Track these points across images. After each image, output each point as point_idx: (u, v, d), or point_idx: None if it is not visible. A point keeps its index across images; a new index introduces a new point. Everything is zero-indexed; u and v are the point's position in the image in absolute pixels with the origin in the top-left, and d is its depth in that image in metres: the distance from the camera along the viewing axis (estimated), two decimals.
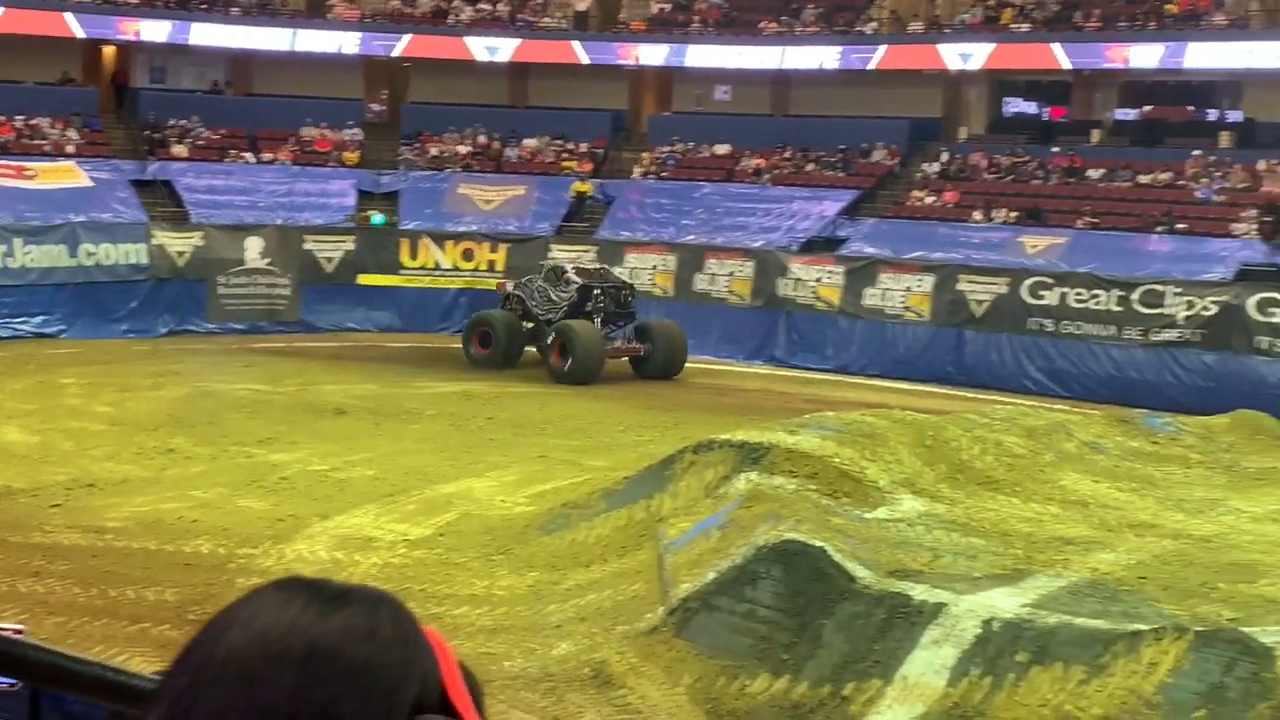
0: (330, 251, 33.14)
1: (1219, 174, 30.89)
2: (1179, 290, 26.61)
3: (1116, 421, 18.80)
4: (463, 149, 37.74)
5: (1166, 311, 26.61)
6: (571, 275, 27.59)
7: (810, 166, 35.53)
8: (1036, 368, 27.96)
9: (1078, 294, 27.64)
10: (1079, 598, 11.10)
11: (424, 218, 34.51)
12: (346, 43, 38.52)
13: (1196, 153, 31.81)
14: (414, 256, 33.50)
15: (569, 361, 26.15)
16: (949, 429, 16.07)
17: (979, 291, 28.71)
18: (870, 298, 29.25)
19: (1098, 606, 10.85)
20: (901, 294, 29.50)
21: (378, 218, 34.49)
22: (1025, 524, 13.68)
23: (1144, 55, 33.00)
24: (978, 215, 31.64)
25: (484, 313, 28.76)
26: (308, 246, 32.95)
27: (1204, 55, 32.16)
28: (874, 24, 37.22)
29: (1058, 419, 18.76)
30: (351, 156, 36.96)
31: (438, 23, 39.32)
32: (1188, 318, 26.40)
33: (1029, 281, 28.27)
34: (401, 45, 38.42)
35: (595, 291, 27.29)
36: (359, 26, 38.72)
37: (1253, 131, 32.86)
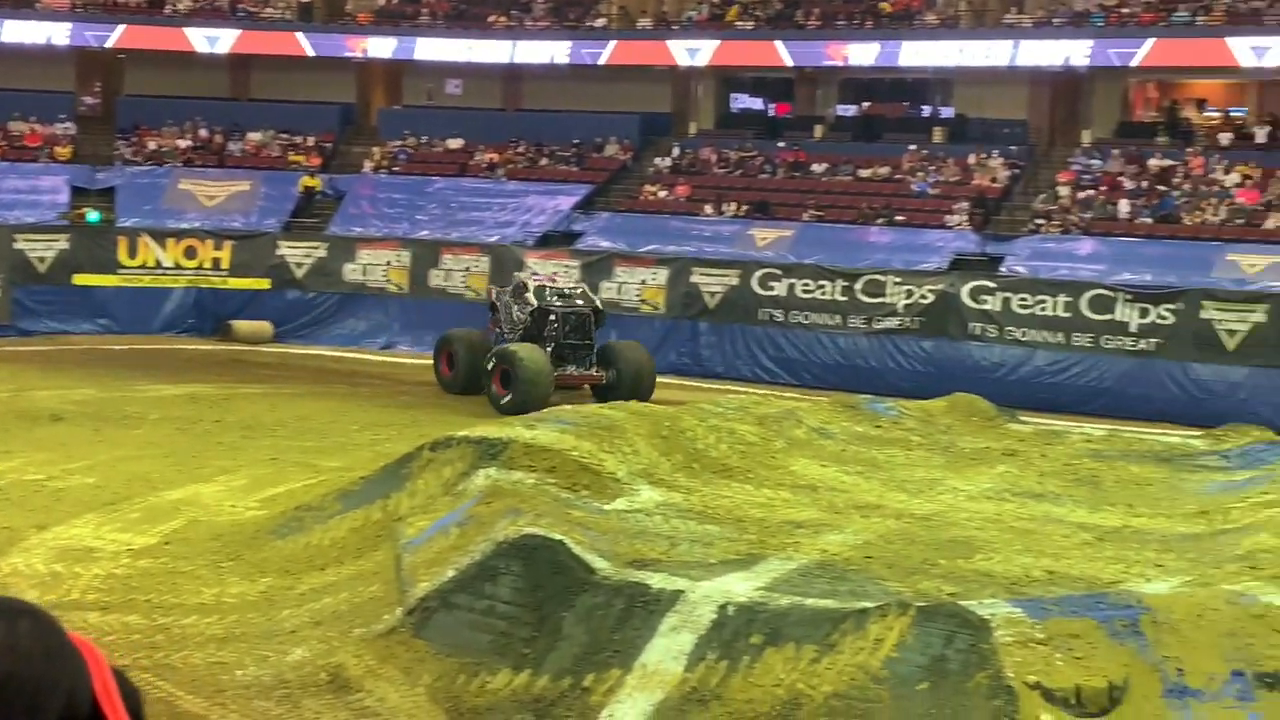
0: (43, 251, 31.61)
1: (933, 168, 32.25)
2: (899, 280, 27.69)
3: (843, 407, 19.42)
4: (183, 143, 36.49)
5: (887, 300, 27.65)
6: (530, 296, 24.92)
7: (544, 161, 35.61)
8: (768, 357, 28.68)
9: (805, 285, 28.49)
10: (809, 579, 11.40)
11: (143, 214, 33.23)
12: (56, 33, 36.79)
13: (912, 148, 33.16)
14: (133, 255, 32.23)
15: (510, 393, 23.09)
16: (684, 419, 16.32)
17: (711, 283, 29.30)
18: (606, 291, 29.54)
19: (827, 587, 11.17)
20: (637, 287, 29.88)
21: (93, 215, 33.04)
22: (758, 509, 13.98)
23: (861, 53, 34.21)
24: (709, 209, 32.26)
25: (451, 331, 26.22)
26: (18, 246, 31.38)
27: (916, 54, 33.54)
28: (603, 19, 37.55)
29: (788, 406, 19.28)
30: (64, 151, 35.34)
31: (154, 13, 37.90)
32: (907, 306, 27.48)
33: (759, 273, 28.98)
34: (115, 36, 36.88)
35: (550, 317, 24.60)
36: (70, 16, 37.02)
37: (964, 127, 34.44)
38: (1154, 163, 30.10)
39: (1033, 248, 27.91)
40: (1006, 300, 26.65)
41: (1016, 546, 12.63)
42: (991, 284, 26.90)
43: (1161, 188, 29.21)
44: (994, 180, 31.42)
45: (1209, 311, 24.89)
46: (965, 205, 30.16)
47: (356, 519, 13.82)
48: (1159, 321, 25.29)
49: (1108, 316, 25.69)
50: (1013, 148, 32.46)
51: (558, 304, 24.72)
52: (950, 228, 29.65)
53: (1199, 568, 12.03)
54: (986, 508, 14.50)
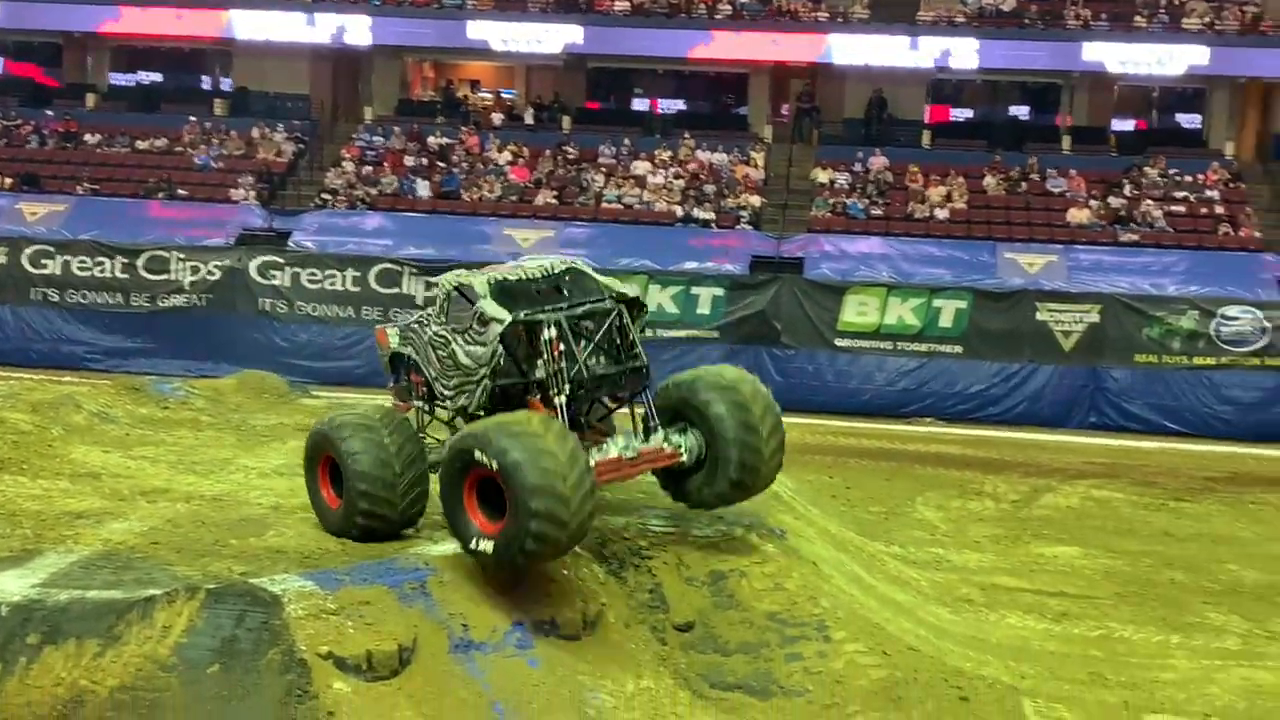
0: None
1: (216, 141, 31.57)
2: (183, 255, 26.88)
3: (126, 390, 18.58)
4: None
5: (173, 277, 26.79)
6: (490, 307, 11.58)
7: None
8: (42, 340, 26.99)
9: (81, 262, 26.99)
10: (91, 571, 10.86)
11: None
12: None
13: (192, 119, 32.26)
14: None
15: (511, 526, 10.49)
16: None
17: None
18: None
19: (111, 577, 10.68)
20: None
21: None
22: (34, 502, 13.11)
23: (136, 20, 32.86)
24: None
25: (322, 429, 12.32)
26: None
27: (197, 23, 32.66)
28: None
29: (65, 392, 18.21)
30: None
31: None
32: (194, 283, 26.77)
33: (30, 250, 27.15)
34: None
35: (549, 331, 11.47)
36: None
37: (246, 100, 33.98)
38: (434, 140, 31.22)
39: (320, 222, 28.04)
40: (296, 275, 26.64)
41: (309, 520, 12.65)
42: (280, 259, 26.76)
43: (442, 164, 30.36)
44: (279, 154, 31.26)
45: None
46: (250, 179, 29.79)
47: None
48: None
49: (396, 290, 26.37)
50: (296, 122, 32.45)
51: (551, 311, 11.66)
52: (236, 202, 29.16)
53: None
54: (279, 484, 14.42)
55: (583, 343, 11.62)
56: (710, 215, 28.11)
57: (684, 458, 11.88)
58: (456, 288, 12.09)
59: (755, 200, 28.79)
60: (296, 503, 13.24)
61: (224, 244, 27.36)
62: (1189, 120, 33.55)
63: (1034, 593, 14.58)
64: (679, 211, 28.32)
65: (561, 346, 11.40)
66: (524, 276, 11.95)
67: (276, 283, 26.63)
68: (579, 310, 11.70)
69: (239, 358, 24.13)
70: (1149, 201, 27.95)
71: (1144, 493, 19.62)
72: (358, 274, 26.50)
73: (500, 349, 11.39)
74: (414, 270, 26.29)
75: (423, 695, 9.74)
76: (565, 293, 11.99)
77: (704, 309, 25.71)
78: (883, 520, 17.33)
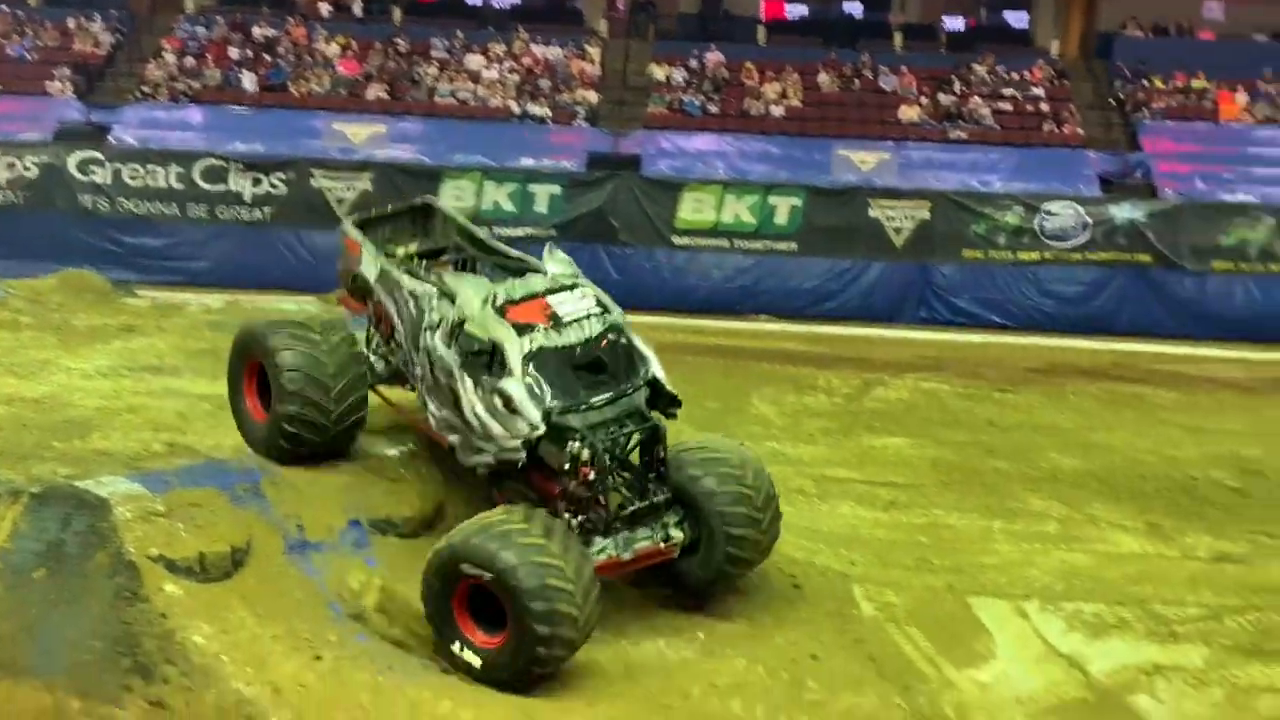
0: None
1: (30, 32, 30.18)
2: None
3: None
4: None
5: None
6: (519, 396, 10.33)
7: None
8: None
9: None
10: None
11: None
12: None
13: (4, 9, 30.77)
14: None
15: (514, 644, 9.60)
16: None
17: None
18: None
19: None
20: None
21: None
22: None
23: None
24: None
25: (250, 329, 11.50)
26: None
27: None
28: None
29: None
30: None
31: None
32: (10, 180, 25.72)
33: None
34: None
35: (581, 450, 10.29)
36: None
37: None
38: (259, 31, 30.24)
39: (141, 116, 27.05)
40: (117, 172, 25.74)
41: (136, 422, 12.38)
42: (100, 155, 25.81)
43: (267, 57, 29.47)
44: (96, 46, 30.02)
45: (319, 180, 25.63)
46: (67, 72, 28.57)
47: None
48: (271, 191, 25.68)
49: (222, 187, 25.66)
50: (114, 12, 31.13)
51: (592, 425, 10.40)
52: (52, 95, 27.97)
53: None
54: (103, 385, 14.08)
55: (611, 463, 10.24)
56: (546, 111, 27.83)
57: (675, 554, 10.72)
58: (473, 333, 10.46)
59: (592, 96, 28.56)
60: (122, 405, 12.95)
61: (41, 139, 26.28)
62: (1016, 18, 34.06)
63: (865, 483, 14.95)
64: (514, 107, 27.97)
65: (591, 475, 10.16)
66: (560, 345, 10.38)
67: (97, 179, 25.71)
68: (624, 433, 10.33)
69: (59, 257, 23.25)
70: (977, 99, 28.42)
71: (970, 384, 20.18)
72: (182, 170, 25.70)
73: (521, 455, 10.21)
74: (241, 167, 25.60)
75: (257, 596, 9.63)
76: (605, 370, 10.51)
77: (541, 207, 25.54)
78: (720, 416, 17.55)
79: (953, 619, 11.40)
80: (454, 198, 25.22)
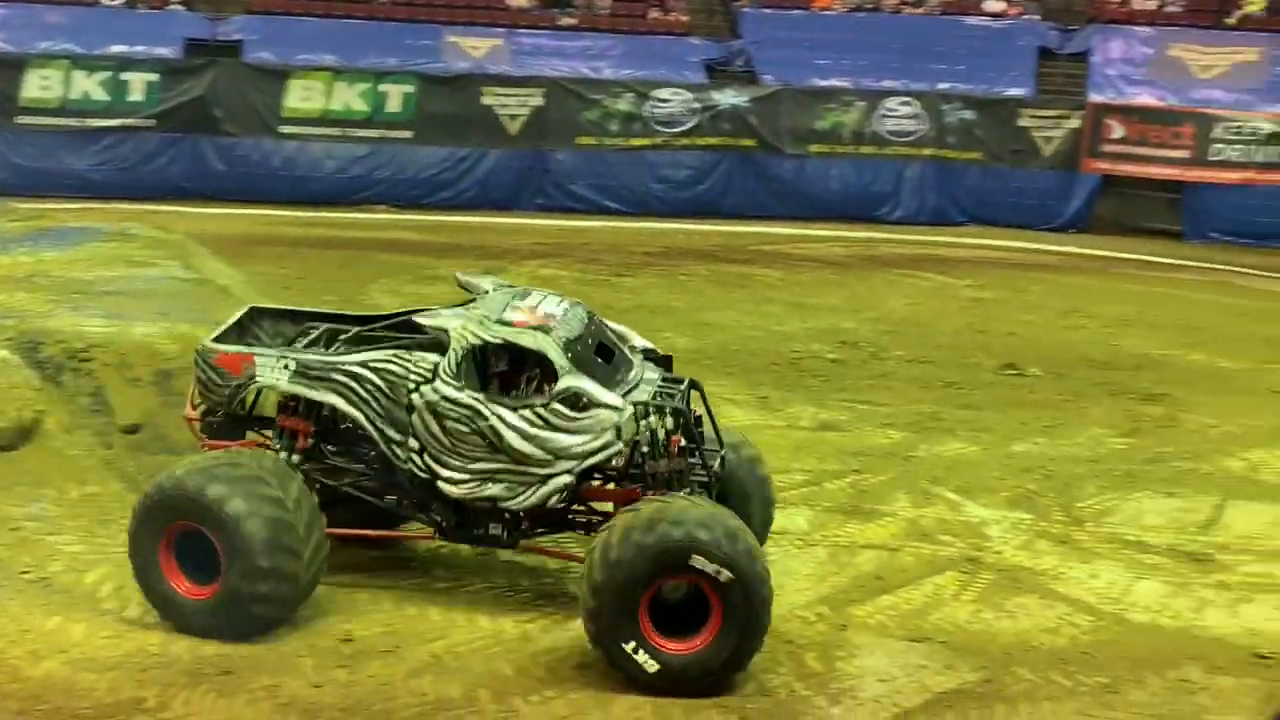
0: None
1: None
2: None
3: None
4: None
5: None
6: (587, 386, 9.13)
7: None
8: None
9: None
10: None
11: None
12: None
13: None
14: None
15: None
16: None
17: None
18: None
19: None
20: None
21: None
22: None
23: None
24: None
25: (173, 488, 8.80)
26: None
27: None
28: None
29: None
30: None
31: None
32: None
33: None
34: None
35: (667, 420, 9.32)
36: None
37: None
38: None
39: None
40: None
41: None
42: None
43: None
44: None
45: None
46: None
47: None
48: None
49: None
50: None
51: (658, 393, 9.55)
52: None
53: None
54: None
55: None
56: None
57: None
58: (503, 343, 9.15)
59: None
60: None
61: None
62: None
63: None
64: None
65: (682, 441, 9.17)
66: (574, 336, 9.23)
67: None
68: (677, 392, 9.37)
69: None
70: None
71: (587, 269, 20.55)
72: None
73: (618, 445, 8.98)
74: None
75: None
76: (612, 353, 9.49)
77: (137, 95, 24.15)
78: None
79: None
80: (40, 88, 23.61)
